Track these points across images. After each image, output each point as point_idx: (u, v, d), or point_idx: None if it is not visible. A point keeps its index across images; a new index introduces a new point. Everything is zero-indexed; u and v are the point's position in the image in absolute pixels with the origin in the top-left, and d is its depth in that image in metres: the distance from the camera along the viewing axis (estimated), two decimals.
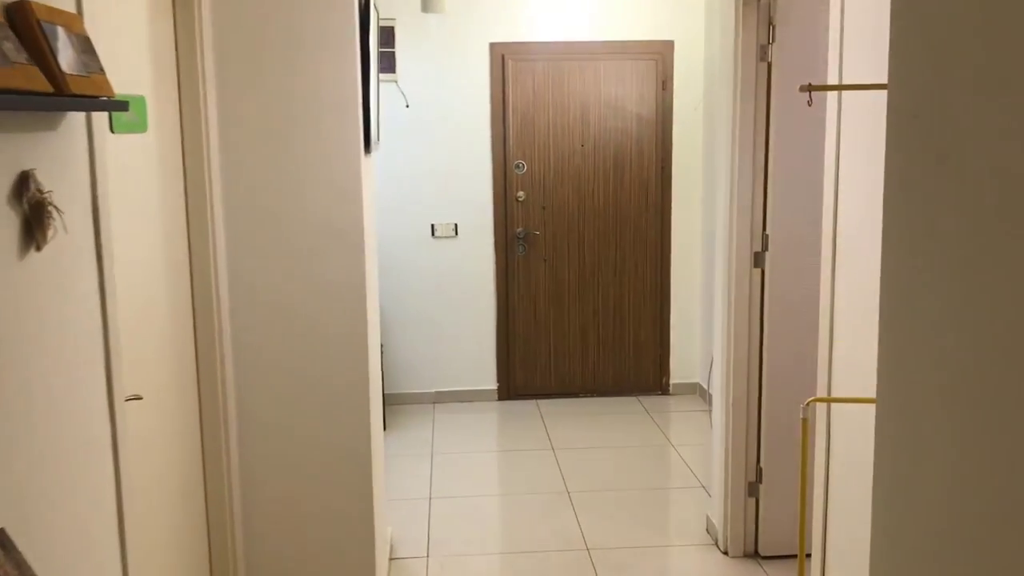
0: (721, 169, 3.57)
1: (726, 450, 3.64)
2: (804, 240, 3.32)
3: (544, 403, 5.69)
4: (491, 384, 5.75)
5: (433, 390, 5.71)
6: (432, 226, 5.57)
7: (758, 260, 3.49)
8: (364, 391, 3.03)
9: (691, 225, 5.68)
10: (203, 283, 2.79)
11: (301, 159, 2.88)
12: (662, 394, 5.83)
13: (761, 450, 3.60)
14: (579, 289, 5.67)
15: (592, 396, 5.79)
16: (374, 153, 3.46)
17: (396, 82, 5.43)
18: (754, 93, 3.40)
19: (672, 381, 5.82)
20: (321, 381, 2.99)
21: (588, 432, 5.14)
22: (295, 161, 2.88)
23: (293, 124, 2.87)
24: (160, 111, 2.54)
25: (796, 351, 3.42)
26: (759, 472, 3.61)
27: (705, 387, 5.68)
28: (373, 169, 3.41)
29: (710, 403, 5.37)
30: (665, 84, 5.54)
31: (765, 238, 3.46)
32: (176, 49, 2.70)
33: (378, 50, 3.38)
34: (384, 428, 5.12)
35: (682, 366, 5.81)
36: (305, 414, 3.00)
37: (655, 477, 4.51)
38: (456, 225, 5.58)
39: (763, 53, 3.40)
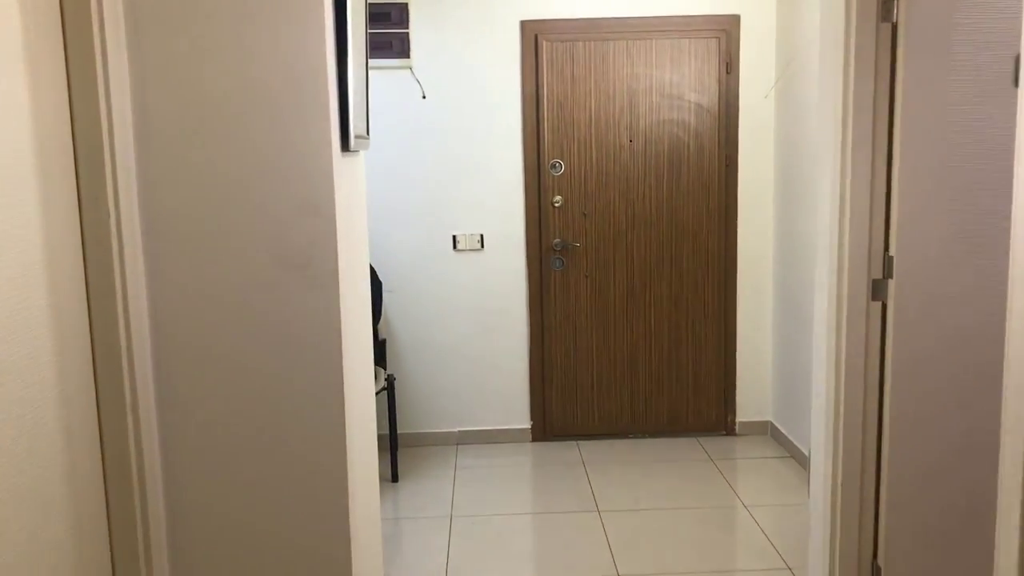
0: (824, 169, 2.67)
1: (831, 538, 2.75)
2: (944, 263, 2.42)
3: (586, 446, 4.81)
4: (524, 422, 4.89)
5: (456, 430, 4.86)
6: (454, 237, 4.72)
7: (878, 290, 2.59)
8: (339, 491, 2.18)
9: (761, 235, 4.77)
10: (106, 331, 1.97)
11: (247, 162, 2.05)
12: (726, 435, 4.92)
13: (880, 542, 2.70)
14: (627, 311, 4.79)
15: (643, 437, 4.90)
16: (360, 152, 2.62)
17: (410, 68, 4.59)
18: (874, 66, 2.50)
19: (739, 420, 4.92)
20: (278, 474, 2.15)
21: (640, 486, 4.25)
22: (239, 165, 2.05)
23: (238, 116, 2.04)
24: (40, 97, 1.72)
25: (930, 412, 2.52)
26: (876, 570, 2.71)
27: (779, 427, 4.77)
28: (357, 172, 2.56)
29: (788, 449, 4.45)
30: (730, 67, 4.64)
31: (888, 261, 2.56)
32: (62, 15, 1.88)
33: (367, 27, 2.53)
34: (395, 478, 4.29)
35: (751, 402, 4.91)
36: (258, 518, 2.16)
37: (727, 554, 3.62)
38: (481, 236, 4.73)
39: (886, 11, 2.49)
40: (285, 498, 2.16)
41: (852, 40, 2.51)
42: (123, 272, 1.98)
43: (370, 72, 4.68)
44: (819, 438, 2.80)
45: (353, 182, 2.45)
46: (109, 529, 2.02)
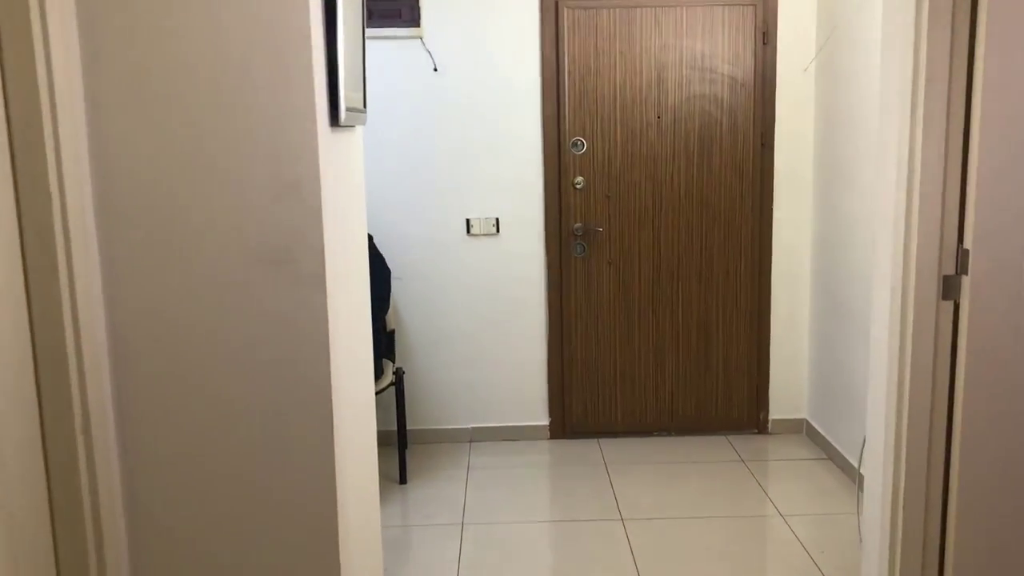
0: (888, 147, 2.33)
1: (890, 557, 2.43)
2: None
3: (608, 444, 4.50)
4: (542, 419, 4.58)
5: (469, 426, 4.56)
6: (467, 221, 4.40)
7: (949, 288, 2.26)
8: (327, 535, 1.88)
9: (799, 221, 4.42)
10: (50, 339, 1.67)
11: (216, 138, 1.74)
12: (758, 433, 4.60)
13: (947, 562, 2.38)
14: (653, 300, 4.46)
15: (670, 435, 4.58)
16: (356, 128, 2.30)
17: (421, 39, 4.25)
18: (950, 22, 2.15)
19: (772, 417, 4.59)
20: (258, 503, 1.85)
21: (666, 490, 3.94)
22: (206, 142, 1.74)
23: (206, 84, 1.73)
24: None
25: (1008, 421, 2.20)
26: None
27: (815, 426, 4.44)
28: (351, 150, 2.24)
29: (825, 449, 4.12)
30: (766, 37, 4.28)
31: (963, 255, 2.22)
32: None
33: None
34: (403, 479, 4.01)
35: (785, 399, 4.58)
36: (235, 551, 1.86)
37: (762, 571, 3.30)
38: (497, 220, 4.40)
39: None
40: (268, 533, 1.86)
41: None
42: (70, 267, 1.67)
43: (377, 43, 4.37)
44: (877, 447, 2.47)
45: (346, 161, 2.14)
46: (58, 572, 1.73)
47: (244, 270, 1.78)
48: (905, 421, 2.34)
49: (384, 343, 4.20)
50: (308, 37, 1.74)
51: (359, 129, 2.35)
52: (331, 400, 1.84)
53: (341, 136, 2.04)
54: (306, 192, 1.77)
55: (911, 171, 2.23)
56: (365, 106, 2.26)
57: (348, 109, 1.97)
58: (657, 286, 4.45)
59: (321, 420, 1.84)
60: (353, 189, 2.25)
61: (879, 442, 2.44)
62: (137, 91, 1.72)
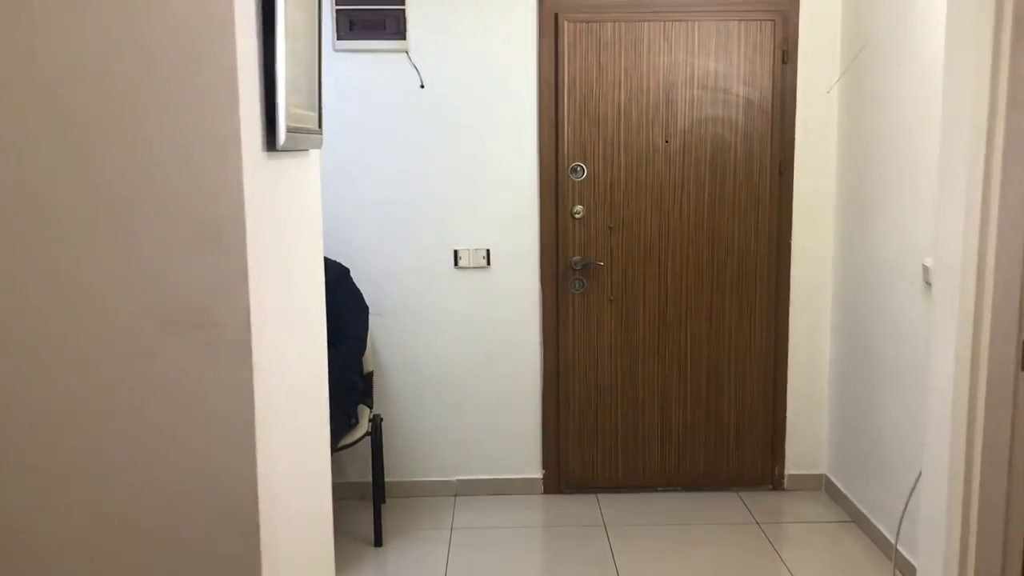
0: (954, 184, 1.92)
1: None
2: None
3: (609, 501, 4.07)
4: (535, 472, 4.16)
5: (455, 478, 4.14)
6: (455, 252, 3.99)
7: None
8: None
9: (820, 258, 4.02)
10: None
11: (110, 170, 1.34)
12: (773, 489, 4.18)
13: None
14: (659, 342, 4.05)
15: (676, 491, 4.16)
16: (309, 153, 1.89)
17: (407, 52, 3.86)
18: None
19: (788, 472, 4.17)
20: None
21: (673, 557, 3.52)
22: (97, 175, 1.34)
23: (96, 103, 1.33)
24: None
25: None
26: None
27: (836, 482, 4.02)
28: (301, 178, 1.84)
29: (847, 509, 3.69)
30: (786, 55, 3.89)
31: None
32: None
33: None
34: (378, 541, 3.59)
35: (802, 452, 4.16)
36: None
37: None
38: (488, 252, 4.00)
39: None
40: None
41: None
42: None
43: (358, 56, 3.96)
44: (935, 542, 2.05)
45: (290, 195, 1.73)
46: None
47: (146, 338, 1.37)
48: (975, 510, 1.93)
49: (360, 387, 3.78)
50: (231, 35, 1.34)
51: (314, 154, 1.94)
52: (257, 517, 1.43)
53: (282, 163, 1.64)
54: (228, 237, 1.37)
55: (985, 214, 1.82)
56: (320, 125, 1.85)
57: (291, 130, 1.56)
58: (663, 326, 4.04)
59: (244, 515, 1.42)
60: (303, 228, 1.85)
61: (938, 537, 2.02)
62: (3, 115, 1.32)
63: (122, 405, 1.38)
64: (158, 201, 1.34)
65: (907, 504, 3.04)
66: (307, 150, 1.84)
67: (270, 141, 1.50)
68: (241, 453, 1.40)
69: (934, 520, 2.05)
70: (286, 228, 1.67)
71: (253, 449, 1.41)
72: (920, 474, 2.95)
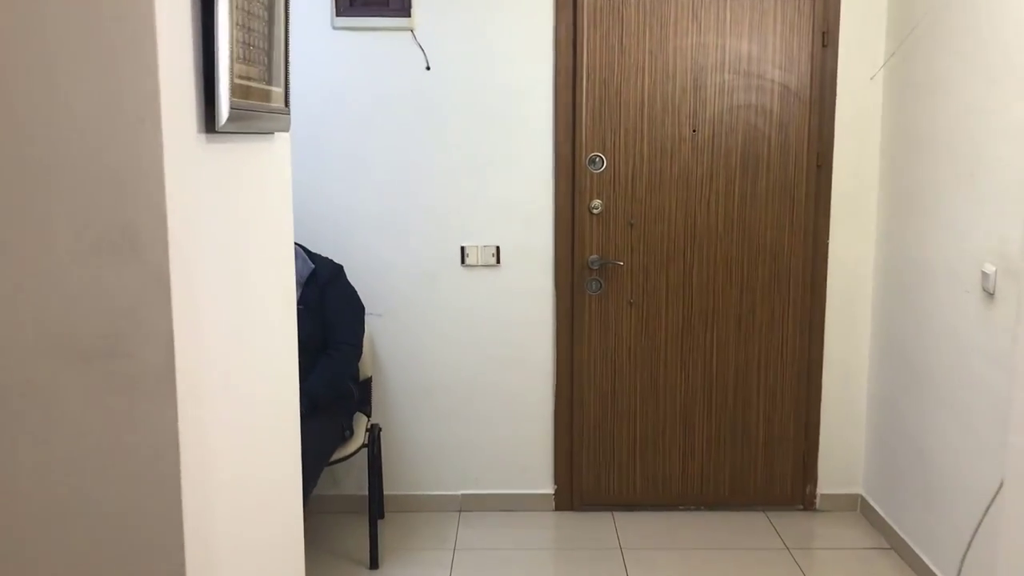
0: None
1: None
2: None
3: (625, 519, 3.76)
4: (546, 487, 3.85)
5: (459, 493, 3.83)
6: (462, 249, 3.68)
7: None
8: None
9: (861, 257, 3.68)
10: None
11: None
12: (804, 509, 3.85)
13: None
14: (682, 349, 3.73)
15: (698, 510, 3.84)
16: (270, 136, 1.58)
17: (412, 31, 3.55)
18: None
19: (820, 491, 3.84)
20: None
21: None
22: None
23: None
24: None
25: None
26: None
27: (872, 503, 3.69)
28: (255, 169, 1.53)
29: (885, 534, 3.35)
30: (827, 38, 3.55)
31: None
32: None
33: None
34: (374, 563, 3.30)
35: (837, 470, 3.83)
36: None
37: None
38: (497, 249, 3.69)
39: None
40: None
41: None
42: None
43: (359, 35, 3.62)
44: None
45: (244, 187, 1.42)
46: None
47: (37, 370, 1.07)
48: None
49: (356, 395, 3.48)
50: (151, 10, 1.03)
51: (281, 139, 1.63)
52: (182, 545, 1.12)
53: (231, 149, 1.33)
54: (144, 243, 1.06)
55: None
56: (287, 103, 1.54)
57: (241, 107, 1.25)
58: (687, 332, 3.71)
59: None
60: (264, 228, 1.54)
61: None
62: None
63: (2, 456, 1.08)
64: (51, 197, 1.04)
65: (973, 537, 2.72)
66: (270, 133, 1.53)
67: (209, 121, 1.19)
68: (161, 520, 1.10)
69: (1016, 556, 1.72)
70: (238, 229, 1.37)
71: (179, 515, 1.10)
72: (988, 507, 2.63)
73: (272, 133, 1.54)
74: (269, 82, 1.42)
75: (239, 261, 1.37)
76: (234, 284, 1.34)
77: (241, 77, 1.26)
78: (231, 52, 1.20)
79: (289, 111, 1.53)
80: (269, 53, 1.42)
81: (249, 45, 1.30)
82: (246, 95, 1.27)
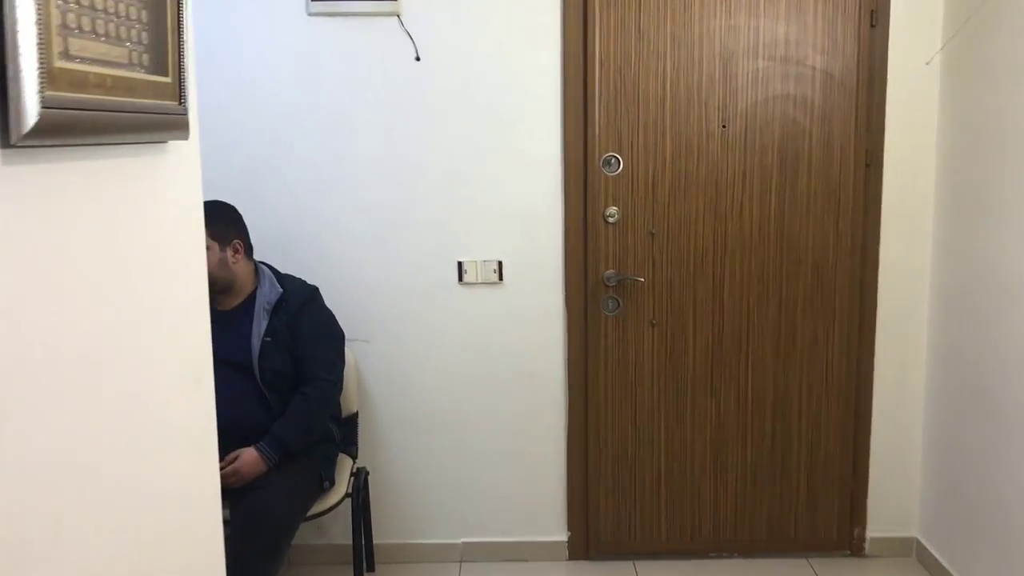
0: None
1: None
2: None
3: (649, 570, 3.30)
4: (558, 533, 3.39)
5: (459, 541, 3.38)
6: (459, 265, 3.23)
7: None
8: None
9: (915, 269, 3.22)
10: None
11: None
12: (852, 555, 3.38)
13: None
14: (712, 375, 3.26)
15: (732, 557, 3.38)
16: (164, 148, 1.12)
17: (399, 16, 3.09)
18: None
19: (870, 535, 3.37)
20: None
21: None
22: None
23: None
24: None
25: None
26: None
27: (929, 548, 3.22)
28: (131, 195, 1.06)
29: None
30: (875, 17, 3.08)
31: None
32: None
33: None
34: None
35: (888, 511, 3.36)
36: None
37: None
38: (499, 264, 3.23)
39: None
40: None
41: None
42: None
43: (338, 21, 3.11)
44: None
45: (89, 223, 0.96)
46: None
47: None
48: None
49: (338, 436, 3.03)
50: None
51: (178, 150, 1.17)
52: None
53: (47, 173, 0.87)
54: None
55: None
56: (184, 100, 1.09)
57: (67, 106, 0.79)
58: (718, 356, 3.25)
59: None
60: (143, 276, 1.08)
61: None
62: None
63: None
64: None
65: None
66: (157, 142, 1.07)
67: (3, 132, 0.73)
68: None
69: None
70: (81, 285, 0.91)
71: None
72: None
73: (163, 141, 1.08)
74: (148, 68, 0.97)
75: (78, 330, 0.92)
76: (60, 361, 0.88)
77: (80, 59, 0.81)
78: (46, 16, 0.74)
79: (186, 109, 1.08)
80: (149, 25, 0.97)
81: (98, 10, 0.85)
82: (86, 86, 0.82)
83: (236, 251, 2.84)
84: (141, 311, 1.03)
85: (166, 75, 1.01)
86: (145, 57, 0.96)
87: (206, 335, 1.25)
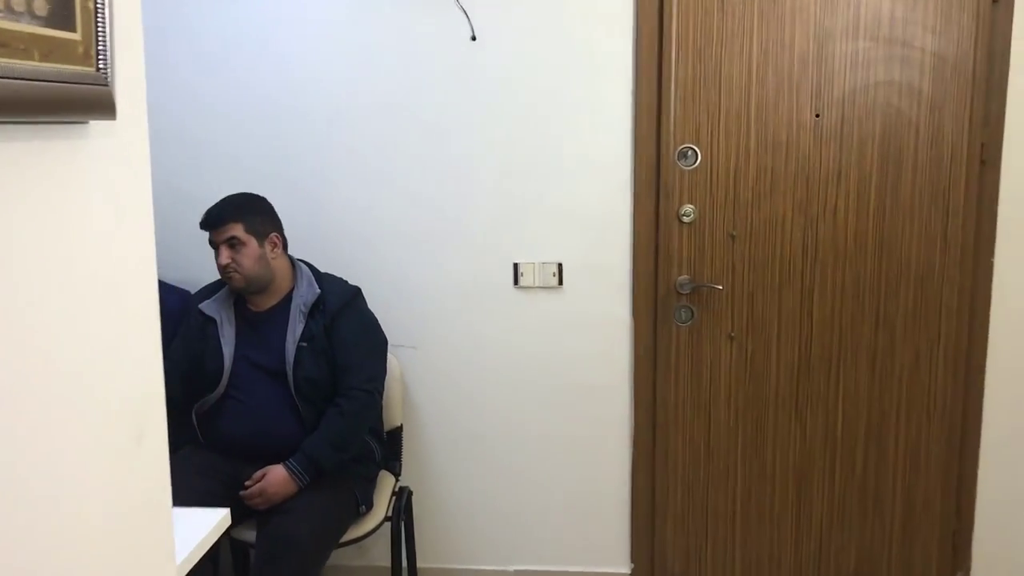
0: None
1: None
2: None
3: None
4: (621, 564, 3.08)
5: (511, 568, 3.09)
6: (515, 267, 2.93)
7: None
8: None
9: None
10: None
11: None
12: None
13: None
14: (798, 395, 2.91)
15: None
16: (83, 130, 0.84)
17: None
18: None
19: (976, 575, 3.00)
20: None
21: None
22: None
23: None
24: None
25: None
26: None
27: None
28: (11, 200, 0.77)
29: None
30: None
31: None
32: None
33: None
34: None
35: (996, 550, 2.97)
36: None
37: None
38: (559, 267, 2.92)
39: None
40: None
41: None
42: None
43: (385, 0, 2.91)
44: None
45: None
46: None
47: None
48: None
49: (379, 453, 2.76)
50: None
51: (99, 130, 0.89)
52: None
53: None
54: None
55: None
56: (107, 69, 0.80)
57: None
58: (804, 376, 2.89)
59: None
60: (49, 301, 0.80)
61: None
62: None
63: None
64: None
65: None
66: (73, 122, 0.79)
67: None
68: None
69: None
70: None
71: None
72: None
73: (83, 123, 0.80)
74: (42, 19, 0.69)
75: None
76: None
77: None
78: None
79: (108, 78, 0.79)
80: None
81: None
82: None
83: (274, 245, 2.60)
84: (44, 351, 0.76)
85: (72, 29, 0.73)
86: (37, 4, 0.68)
87: (155, 373, 0.97)
